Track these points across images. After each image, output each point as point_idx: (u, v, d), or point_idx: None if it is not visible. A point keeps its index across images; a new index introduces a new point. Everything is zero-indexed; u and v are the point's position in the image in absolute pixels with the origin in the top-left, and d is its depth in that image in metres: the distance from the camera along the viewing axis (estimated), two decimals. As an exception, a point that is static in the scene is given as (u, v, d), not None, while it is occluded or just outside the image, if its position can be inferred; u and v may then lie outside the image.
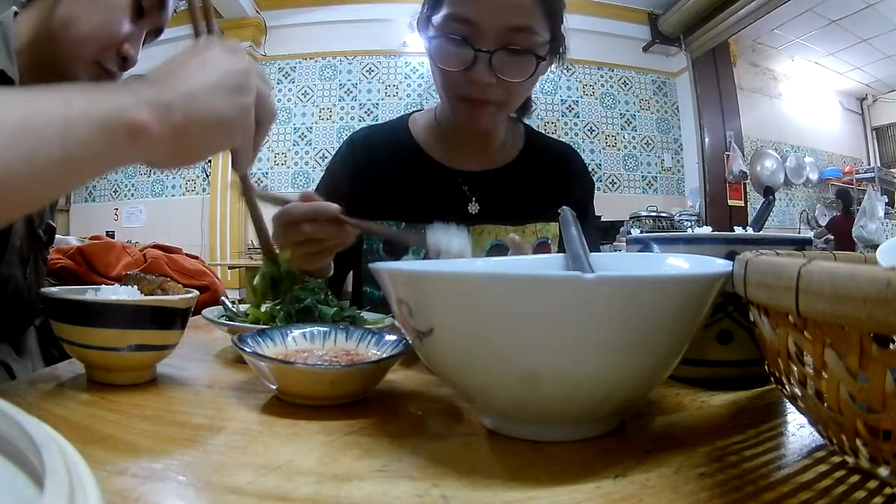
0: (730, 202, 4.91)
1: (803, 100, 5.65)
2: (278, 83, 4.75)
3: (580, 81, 4.88)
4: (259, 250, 0.65)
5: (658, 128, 5.02)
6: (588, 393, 0.34)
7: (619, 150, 4.93)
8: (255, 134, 0.47)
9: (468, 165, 0.93)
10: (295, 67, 4.79)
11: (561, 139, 1.12)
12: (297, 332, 0.52)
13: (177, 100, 0.39)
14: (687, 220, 4.59)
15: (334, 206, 0.66)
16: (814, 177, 5.50)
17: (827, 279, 0.22)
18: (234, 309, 0.68)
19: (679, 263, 0.45)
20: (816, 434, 0.32)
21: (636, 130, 4.97)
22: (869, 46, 5.01)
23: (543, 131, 1.14)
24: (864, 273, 0.21)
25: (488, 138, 0.93)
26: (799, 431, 0.38)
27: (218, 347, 0.64)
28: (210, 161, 4.28)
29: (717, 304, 0.39)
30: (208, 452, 0.34)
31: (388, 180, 0.92)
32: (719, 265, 0.37)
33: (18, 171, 0.32)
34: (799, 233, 5.08)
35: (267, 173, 4.73)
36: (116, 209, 4.87)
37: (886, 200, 5.12)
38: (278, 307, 0.62)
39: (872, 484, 0.29)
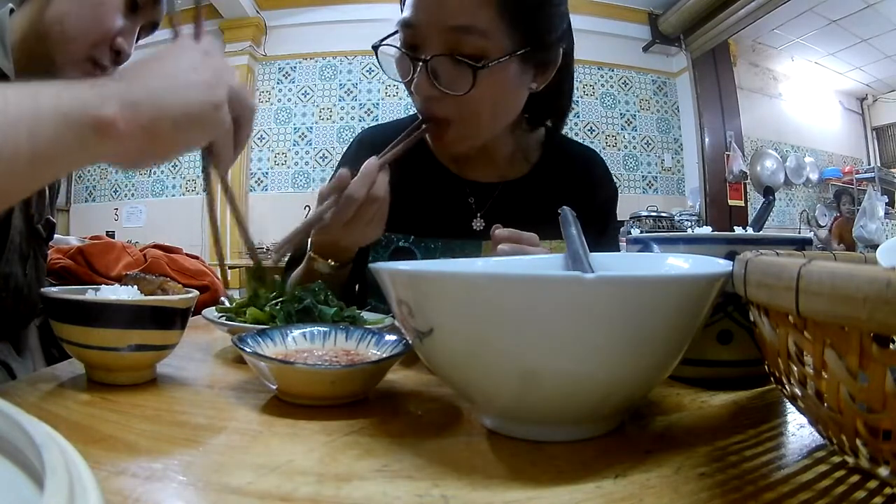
0: (730, 202, 4.91)
1: (803, 100, 5.64)
2: (278, 83, 4.74)
3: (580, 81, 4.86)
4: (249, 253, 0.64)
5: (658, 128, 5.01)
6: (588, 393, 0.34)
7: (619, 150, 4.92)
8: (235, 133, 0.47)
9: (477, 176, 0.88)
10: (295, 67, 4.78)
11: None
12: (297, 332, 0.52)
13: (144, 97, 0.39)
14: (687, 220, 4.59)
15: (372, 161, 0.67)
16: (814, 177, 5.49)
17: (827, 279, 0.22)
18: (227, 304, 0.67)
19: (679, 263, 0.45)
20: (816, 434, 0.32)
21: (636, 130, 4.97)
22: (869, 46, 5.00)
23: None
24: (864, 273, 0.21)
25: (490, 151, 0.86)
26: (799, 431, 0.38)
27: (218, 347, 0.64)
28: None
29: (717, 304, 0.39)
30: (208, 452, 0.34)
31: (395, 182, 0.86)
32: (719, 265, 0.37)
33: None
34: (799, 233, 5.07)
35: (267, 173, 4.73)
36: (116, 209, 4.87)
37: (886, 200, 5.11)
38: (278, 307, 0.62)
39: (872, 484, 0.29)
